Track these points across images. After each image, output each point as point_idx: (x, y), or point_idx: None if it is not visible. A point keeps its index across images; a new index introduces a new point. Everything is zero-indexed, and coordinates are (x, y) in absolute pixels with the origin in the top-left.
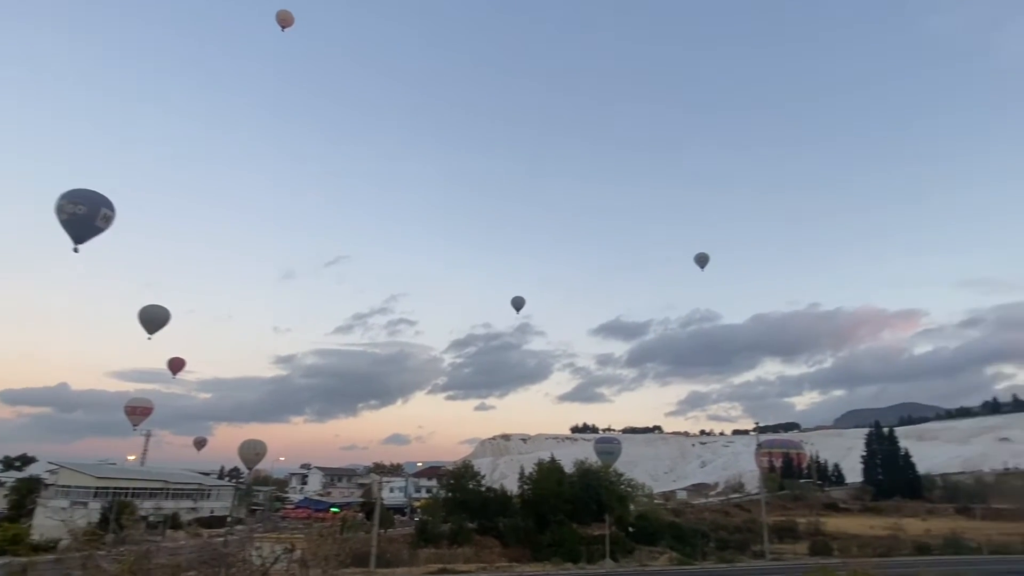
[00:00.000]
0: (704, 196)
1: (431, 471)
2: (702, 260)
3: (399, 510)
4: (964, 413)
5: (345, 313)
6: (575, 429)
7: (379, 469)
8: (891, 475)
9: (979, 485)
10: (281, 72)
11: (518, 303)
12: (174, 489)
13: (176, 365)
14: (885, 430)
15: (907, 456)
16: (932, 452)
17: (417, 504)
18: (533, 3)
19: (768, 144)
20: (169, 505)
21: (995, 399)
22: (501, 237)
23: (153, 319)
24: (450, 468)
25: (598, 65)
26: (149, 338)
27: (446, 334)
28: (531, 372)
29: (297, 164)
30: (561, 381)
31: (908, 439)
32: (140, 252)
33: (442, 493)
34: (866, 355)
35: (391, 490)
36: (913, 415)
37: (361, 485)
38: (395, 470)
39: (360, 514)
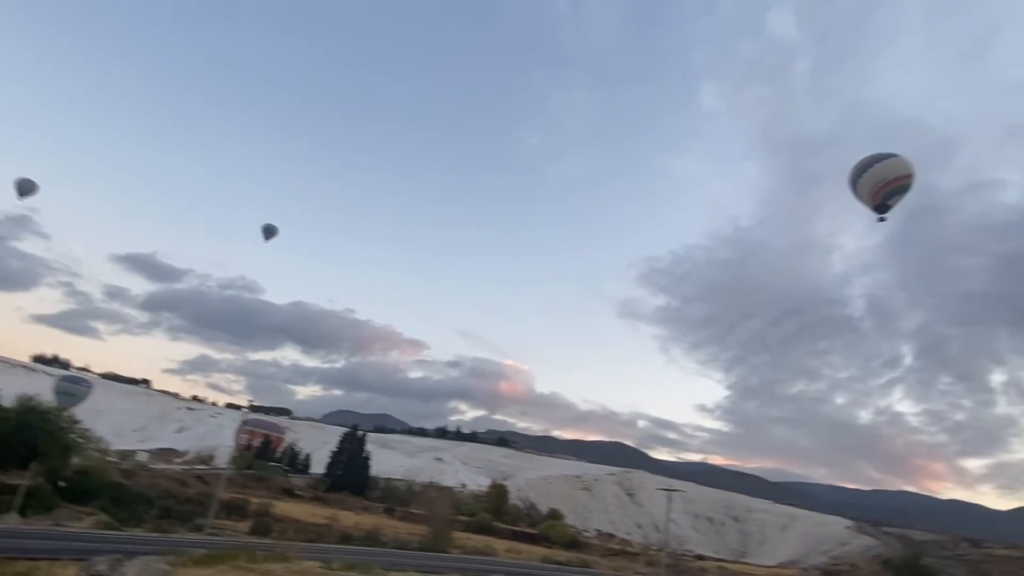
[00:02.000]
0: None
1: None
2: (269, 232)
3: None
4: (421, 432)
5: None
6: (39, 359)
7: None
8: (349, 472)
9: (408, 492)
10: None
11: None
12: None
13: None
14: (359, 433)
15: (367, 458)
16: (387, 459)
17: None
18: None
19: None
20: None
21: (445, 427)
22: None
23: None
24: None
25: None
26: None
27: None
28: (9, 275)
29: None
30: (47, 299)
31: (374, 445)
32: None
33: None
34: (372, 366)
35: None
36: (387, 425)
37: None
38: None
39: None
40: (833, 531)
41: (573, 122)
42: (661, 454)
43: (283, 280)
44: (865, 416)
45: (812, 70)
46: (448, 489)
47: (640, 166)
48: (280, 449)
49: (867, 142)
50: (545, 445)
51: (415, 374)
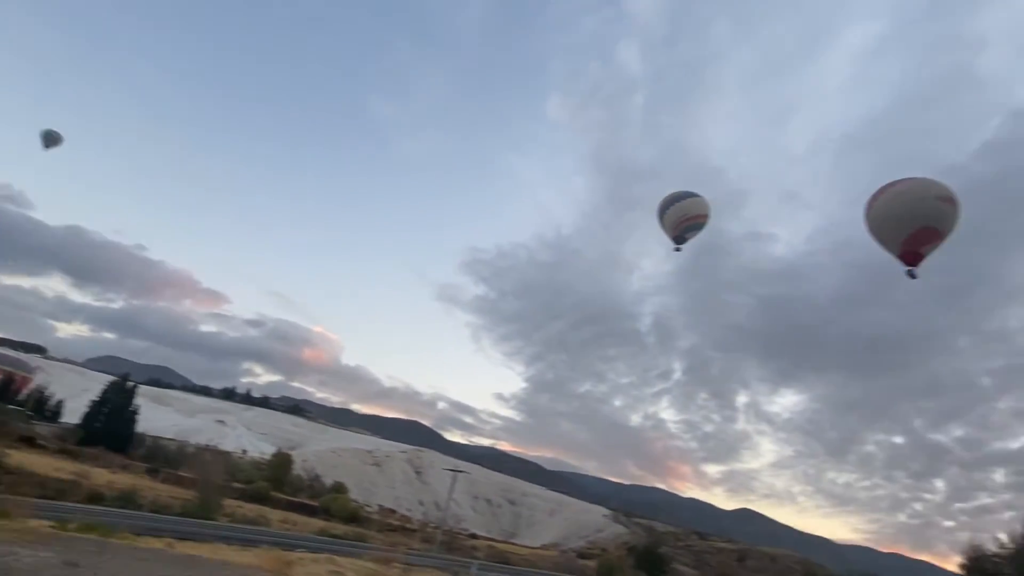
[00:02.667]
0: None
1: None
2: (50, 139)
3: None
4: (204, 391)
5: None
6: None
7: None
8: (110, 426)
9: (179, 453)
10: None
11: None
12: None
13: None
14: (130, 383)
15: (134, 412)
16: (160, 416)
17: None
18: None
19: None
20: None
21: (234, 388)
22: None
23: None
24: None
25: None
26: None
27: None
28: None
29: None
30: None
31: (146, 399)
32: None
33: None
34: (157, 312)
35: None
36: (165, 379)
37: None
38: None
39: None
40: (593, 518)
41: (427, 101)
42: (455, 436)
43: (60, 198)
44: (635, 419)
45: (646, 105)
46: (226, 454)
47: (483, 158)
48: (25, 391)
49: (680, 180)
50: (341, 418)
51: (208, 328)
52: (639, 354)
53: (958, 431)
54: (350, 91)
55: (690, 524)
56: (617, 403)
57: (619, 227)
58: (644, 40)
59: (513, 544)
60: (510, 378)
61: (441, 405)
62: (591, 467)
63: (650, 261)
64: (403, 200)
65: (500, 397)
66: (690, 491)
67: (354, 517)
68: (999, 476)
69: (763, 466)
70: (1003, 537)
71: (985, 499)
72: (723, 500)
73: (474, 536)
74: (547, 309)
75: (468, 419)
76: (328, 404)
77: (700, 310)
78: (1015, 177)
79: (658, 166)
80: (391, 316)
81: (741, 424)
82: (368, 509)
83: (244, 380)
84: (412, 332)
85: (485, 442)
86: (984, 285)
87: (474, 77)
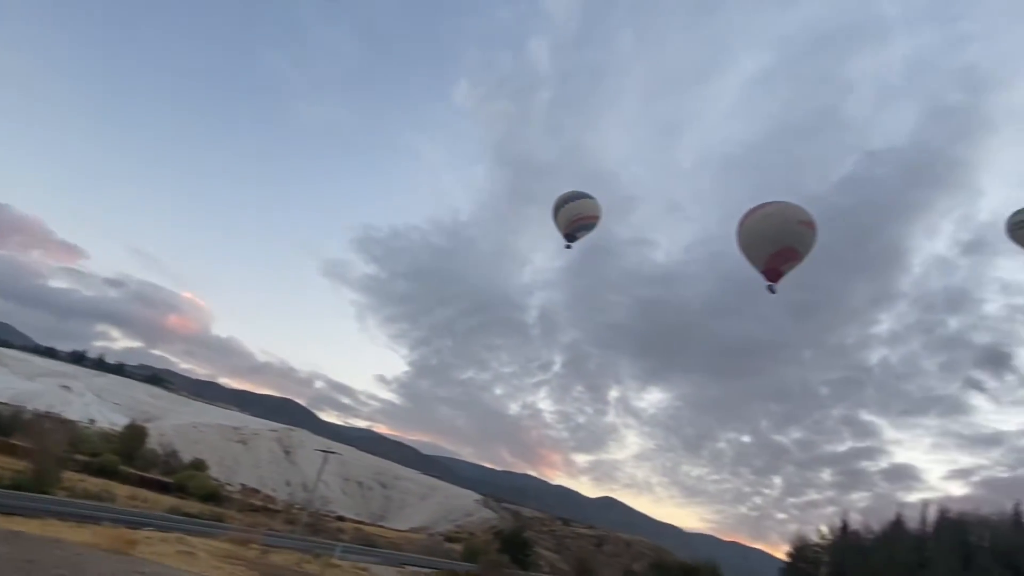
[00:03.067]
0: None
1: None
2: None
3: None
4: (49, 353)
5: None
6: None
7: None
8: None
9: (13, 420)
10: None
11: None
12: None
13: None
14: None
15: None
16: None
17: None
18: None
19: None
20: None
21: (85, 352)
22: None
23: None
24: None
25: None
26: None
27: None
28: None
29: None
30: None
31: None
32: None
33: None
34: None
35: None
36: (1, 336)
37: None
38: None
39: None
40: (464, 503)
41: (330, 65)
42: (330, 416)
43: None
44: (514, 408)
45: (551, 102)
46: (70, 423)
47: (385, 134)
48: None
49: (577, 180)
50: (206, 391)
51: (59, 283)
52: (523, 345)
53: (796, 433)
54: (241, 39)
55: (556, 510)
56: (498, 391)
57: (515, 220)
58: (555, 39)
59: (382, 527)
60: (393, 361)
61: (318, 384)
62: (467, 453)
63: (542, 256)
64: (294, 166)
65: (381, 379)
66: (559, 479)
67: (212, 496)
68: (826, 475)
69: (627, 457)
70: (824, 529)
71: (813, 495)
72: (588, 488)
73: (341, 519)
74: (437, 294)
75: (346, 400)
76: (193, 376)
77: (583, 307)
78: (865, 211)
79: (557, 164)
80: (271, 287)
81: (611, 417)
82: (229, 488)
83: (97, 344)
84: (292, 306)
85: (362, 424)
86: (829, 305)
87: (383, 48)
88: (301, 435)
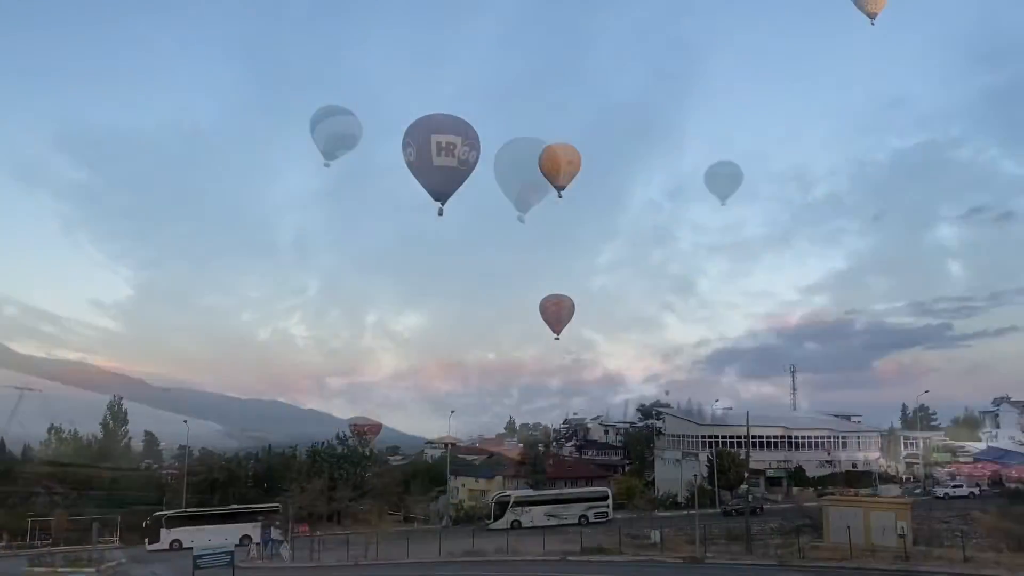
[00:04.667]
0: None
1: None
2: None
3: None
4: None
5: None
6: None
7: None
8: None
9: None
10: None
11: None
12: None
13: None
14: None
15: None
16: None
17: None
18: None
19: None
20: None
21: None
22: None
23: None
24: None
25: None
26: None
27: None
28: None
29: None
30: None
31: None
32: None
33: None
34: None
35: None
36: None
37: None
38: None
39: None
40: (205, 434)
41: None
42: (29, 348)
43: None
44: (263, 334)
45: (311, 4)
46: None
47: (111, 12)
48: None
49: (338, 95)
50: None
51: None
52: (274, 269)
53: (532, 351)
54: None
55: (310, 434)
56: (245, 317)
57: (266, 131)
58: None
59: None
60: (114, 283)
61: (10, 310)
62: (209, 382)
63: (298, 175)
64: None
65: (98, 304)
66: (311, 403)
67: None
68: (554, 382)
69: (382, 378)
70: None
71: (541, 403)
72: (342, 409)
73: None
74: (171, 209)
75: (49, 328)
76: None
77: (342, 230)
78: (602, 158)
79: (316, 74)
80: None
81: (367, 341)
82: None
83: None
84: None
85: (72, 356)
86: (566, 238)
87: None
88: None
